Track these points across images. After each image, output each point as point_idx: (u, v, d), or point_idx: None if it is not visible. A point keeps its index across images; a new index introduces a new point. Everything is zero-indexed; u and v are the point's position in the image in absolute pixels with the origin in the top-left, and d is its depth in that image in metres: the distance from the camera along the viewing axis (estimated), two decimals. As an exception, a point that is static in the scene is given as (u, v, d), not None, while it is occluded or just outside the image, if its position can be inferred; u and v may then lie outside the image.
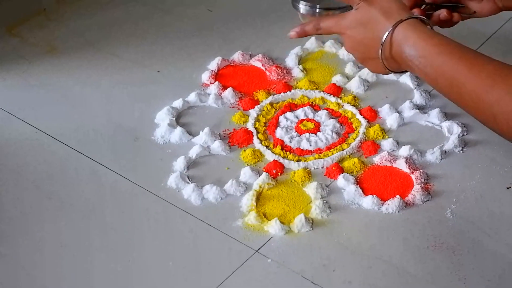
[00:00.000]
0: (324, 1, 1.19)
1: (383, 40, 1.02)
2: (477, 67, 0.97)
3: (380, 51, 1.03)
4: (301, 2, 1.16)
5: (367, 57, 1.07)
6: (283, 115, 1.27)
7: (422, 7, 1.14)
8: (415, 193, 1.14)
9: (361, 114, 1.27)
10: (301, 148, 1.22)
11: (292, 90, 1.32)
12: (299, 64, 1.36)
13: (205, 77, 1.34)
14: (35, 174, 1.18)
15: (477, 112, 0.99)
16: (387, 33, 1.01)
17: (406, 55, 1.01)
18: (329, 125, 1.25)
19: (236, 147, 1.23)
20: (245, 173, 1.17)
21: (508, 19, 1.43)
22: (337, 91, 1.32)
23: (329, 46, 1.40)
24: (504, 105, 0.94)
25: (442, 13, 1.11)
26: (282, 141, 1.23)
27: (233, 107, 1.30)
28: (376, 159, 1.20)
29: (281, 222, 1.10)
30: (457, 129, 1.23)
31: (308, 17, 1.15)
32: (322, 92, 1.31)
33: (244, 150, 1.22)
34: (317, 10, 1.15)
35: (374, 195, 1.13)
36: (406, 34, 1.01)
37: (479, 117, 0.99)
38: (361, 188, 1.15)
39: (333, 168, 1.18)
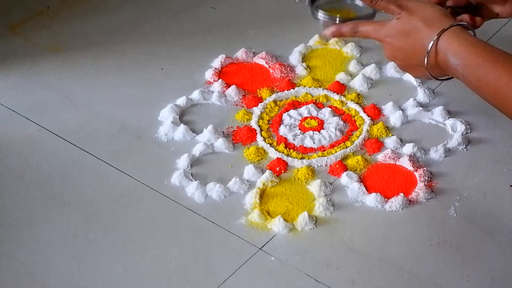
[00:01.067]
0: (344, 10, 1.19)
1: (429, 49, 1.02)
2: None
3: (426, 60, 1.03)
4: (320, 11, 1.17)
5: (409, 64, 1.08)
6: (286, 112, 1.27)
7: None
8: (419, 191, 1.14)
9: (364, 112, 1.27)
10: (305, 145, 1.22)
11: (296, 88, 1.32)
12: (302, 62, 1.36)
13: (209, 74, 1.34)
14: (38, 172, 1.18)
15: None
16: (432, 42, 1.02)
17: (450, 64, 1.02)
18: (332, 123, 1.25)
19: (239, 145, 1.23)
20: (249, 171, 1.17)
21: (509, 20, 1.43)
22: (340, 88, 1.31)
23: (333, 43, 1.40)
24: None
25: (465, 18, 1.11)
26: (285, 138, 1.23)
27: (236, 105, 1.30)
28: (380, 157, 1.20)
29: (285, 220, 1.10)
30: (460, 127, 1.23)
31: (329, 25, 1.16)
32: (325, 90, 1.31)
33: (248, 148, 1.22)
34: (337, 21, 1.14)
35: (378, 193, 1.13)
36: (449, 43, 1.01)
37: None
38: (364, 186, 1.15)
39: (337, 166, 1.18)
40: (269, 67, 1.36)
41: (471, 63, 1.00)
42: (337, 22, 1.15)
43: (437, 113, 1.26)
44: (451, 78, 1.07)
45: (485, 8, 1.14)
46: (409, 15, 1.05)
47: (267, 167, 1.19)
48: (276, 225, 1.10)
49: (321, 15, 1.17)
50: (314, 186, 1.15)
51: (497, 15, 1.14)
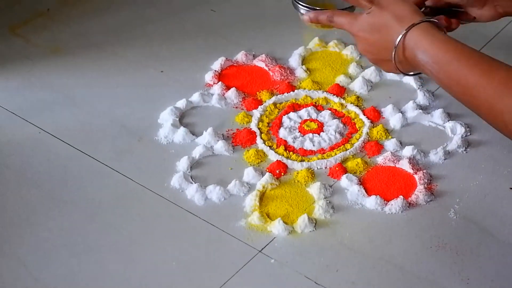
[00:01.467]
0: (324, 4, 1.20)
1: (396, 44, 1.03)
2: (489, 74, 0.98)
3: (393, 54, 1.04)
4: (301, 4, 1.17)
5: (380, 59, 1.09)
6: (286, 115, 1.27)
7: (422, 10, 1.13)
8: (419, 194, 1.14)
9: (364, 115, 1.27)
10: (304, 148, 1.22)
11: (296, 90, 1.32)
12: (302, 64, 1.36)
13: (209, 77, 1.34)
14: (38, 174, 1.19)
15: (490, 119, 1.00)
16: (400, 37, 1.02)
17: (419, 60, 1.02)
18: (332, 125, 1.25)
19: (239, 147, 1.23)
20: (248, 173, 1.17)
21: (510, 21, 1.43)
22: (340, 91, 1.32)
23: (333, 46, 1.40)
24: None
25: (441, 20, 1.11)
26: (285, 141, 1.23)
27: (236, 107, 1.30)
28: (380, 160, 1.20)
29: (284, 222, 1.10)
30: (460, 130, 1.23)
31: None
32: (325, 92, 1.31)
33: (248, 150, 1.22)
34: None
35: (377, 196, 1.13)
36: (418, 39, 1.02)
37: (492, 124, 1.00)
38: (364, 189, 1.15)
39: (336, 168, 1.19)
40: (269, 69, 1.36)
41: (441, 61, 1.00)
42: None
43: (437, 115, 1.26)
44: (420, 73, 1.08)
45: (463, 11, 1.14)
46: (380, 10, 1.05)
47: (267, 170, 1.19)
48: (276, 227, 1.10)
49: (302, 8, 1.18)
50: (314, 189, 1.15)
51: (474, 19, 1.14)
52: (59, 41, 1.45)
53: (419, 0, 1.13)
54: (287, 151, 1.22)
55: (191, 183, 1.16)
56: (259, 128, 1.26)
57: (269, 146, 1.23)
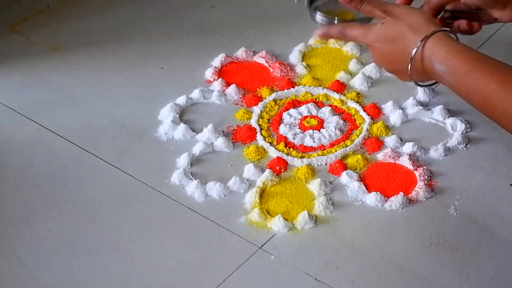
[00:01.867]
0: (342, 11, 1.20)
1: (412, 55, 1.03)
2: (508, 84, 0.97)
3: (409, 66, 1.04)
4: (318, 13, 1.17)
5: (395, 69, 1.09)
6: (286, 111, 1.27)
7: (441, 15, 1.13)
8: (419, 190, 1.14)
9: (364, 111, 1.27)
10: (305, 144, 1.22)
11: (296, 87, 1.32)
12: (302, 61, 1.36)
13: (209, 73, 1.34)
14: (38, 172, 1.19)
15: (510, 129, 1.00)
16: (416, 48, 1.02)
17: (436, 70, 1.02)
18: (332, 122, 1.25)
19: (239, 144, 1.23)
20: (249, 170, 1.17)
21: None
22: (340, 87, 1.31)
23: (333, 42, 1.39)
24: None
25: (462, 24, 1.11)
26: (285, 137, 1.23)
27: (236, 104, 1.29)
28: (380, 156, 1.20)
29: (285, 219, 1.10)
30: (460, 126, 1.23)
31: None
32: (325, 89, 1.31)
33: (248, 147, 1.22)
34: (335, 22, 1.15)
35: (378, 192, 1.13)
36: (435, 50, 1.02)
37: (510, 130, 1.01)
38: (364, 185, 1.15)
39: (337, 164, 1.18)
40: (269, 66, 1.36)
41: (458, 71, 1.00)
42: (335, 23, 1.15)
43: (437, 112, 1.26)
44: (437, 83, 1.08)
45: (484, 12, 1.13)
46: (395, 21, 1.05)
47: (267, 166, 1.19)
48: (276, 224, 1.10)
49: (319, 16, 1.17)
50: (314, 185, 1.15)
51: (495, 20, 1.14)
52: (59, 39, 1.45)
53: (438, 4, 1.12)
54: (287, 147, 1.22)
55: (191, 179, 1.16)
56: (259, 125, 1.25)
57: (269, 143, 1.22)
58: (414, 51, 1.02)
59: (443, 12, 1.14)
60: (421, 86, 1.09)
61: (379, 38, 1.07)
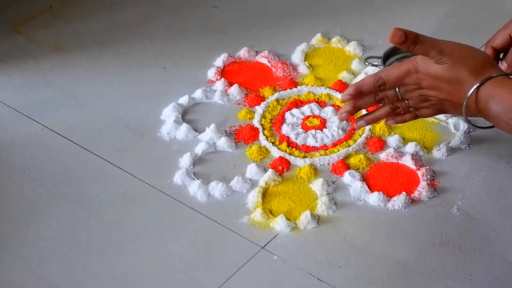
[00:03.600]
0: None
1: (468, 95, 0.99)
2: None
3: (463, 107, 1.00)
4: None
5: (443, 108, 1.06)
6: (289, 111, 1.27)
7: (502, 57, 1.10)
8: (421, 190, 1.14)
9: (367, 111, 1.27)
10: (307, 144, 1.22)
11: (298, 87, 1.32)
12: (305, 61, 1.36)
13: (211, 73, 1.34)
14: (41, 171, 1.19)
15: None
16: (472, 89, 0.99)
17: (493, 113, 0.98)
18: (335, 122, 1.25)
19: (242, 144, 1.23)
20: (251, 170, 1.17)
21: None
22: (343, 87, 1.31)
23: (335, 42, 1.40)
24: None
25: None
26: (288, 137, 1.23)
27: (239, 104, 1.30)
28: (382, 156, 1.20)
29: (287, 219, 1.10)
30: (463, 126, 1.23)
31: None
32: (328, 89, 1.31)
33: (250, 147, 1.22)
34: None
35: (380, 192, 1.13)
36: (492, 90, 0.98)
37: None
38: (367, 185, 1.15)
39: (339, 164, 1.18)
40: (272, 66, 1.36)
41: None
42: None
43: (440, 111, 1.26)
44: (492, 127, 1.04)
45: None
46: (455, 63, 0.99)
47: (270, 166, 1.19)
48: (279, 224, 1.10)
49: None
50: (317, 185, 1.15)
51: None
52: (61, 39, 1.45)
53: (503, 45, 1.09)
54: (290, 147, 1.22)
55: (194, 179, 1.16)
56: (261, 125, 1.25)
57: (272, 143, 1.23)
58: (471, 91, 0.98)
59: (502, 55, 1.11)
60: (478, 127, 1.04)
61: (437, 76, 1.01)
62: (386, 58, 1.29)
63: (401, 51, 1.27)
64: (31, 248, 1.08)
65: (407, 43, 0.99)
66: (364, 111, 1.15)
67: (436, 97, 1.03)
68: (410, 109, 1.07)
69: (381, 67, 1.28)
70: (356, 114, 1.16)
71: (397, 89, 1.05)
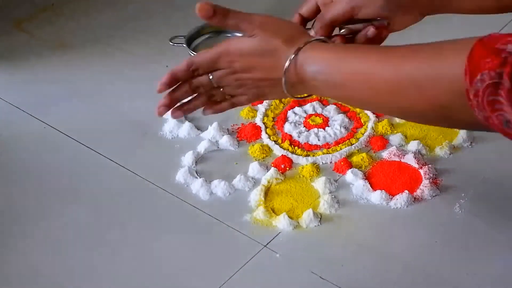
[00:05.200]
0: None
1: (286, 66, 0.94)
2: (388, 53, 0.90)
3: (283, 79, 0.95)
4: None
5: (264, 86, 0.99)
6: (291, 110, 1.27)
7: (340, 32, 1.05)
8: (424, 188, 1.14)
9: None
10: (310, 143, 1.22)
11: (301, 85, 1.31)
12: (307, 59, 1.36)
13: (214, 72, 1.34)
14: (43, 169, 1.19)
15: (399, 96, 0.89)
16: (289, 60, 0.94)
17: (310, 75, 0.93)
18: (337, 120, 1.25)
19: (244, 142, 1.23)
20: (254, 168, 1.17)
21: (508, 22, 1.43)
22: (345, 85, 1.31)
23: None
24: (424, 69, 0.86)
25: (370, 30, 1.02)
26: (290, 136, 1.23)
27: (241, 102, 1.29)
28: (385, 154, 1.20)
29: (290, 217, 1.10)
30: (465, 124, 1.23)
31: None
32: (330, 87, 1.31)
33: (253, 145, 1.22)
34: None
35: (383, 190, 1.13)
36: (307, 55, 0.94)
37: (403, 102, 0.89)
38: (369, 183, 1.15)
39: (342, 163, 1.18)
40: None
41: (334, 63, 0.93)
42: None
43: (442, 110, 1.25)
44: (309, 96, 1.00)
45: (381, 23, 1.03)
46: (266, 34, 0.95)
47: (272, 164, 1.19)
48: (281, 222, 1.10)
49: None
50: (319, 183, 1.15)
51: (395, 28, 1.05)
52: (63, 36, 1.45)
53: (333, 20, 1.03)
54: (292, 145, 1.22)
55: (196, 178, 1.16)
56: (264, 123, 1.25)
57: (274, 141, 1.23)
58: (288, 62, 0.94)
59: (342, 30, 1.05)
60: (296, 98, 0.99)
61: (250, 51, 0.96)
62: (191, 38, 1.29)
63: (206, 32, 1.27)
64: (34, 246, 1.08)
65: (217, 17, 0.96)
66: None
67: (251, 79, 0.98)
68: (226, 96, 1.02)
69: (184, 46, 1.30)
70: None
71: (210, 76, 1.00)
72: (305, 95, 0.99)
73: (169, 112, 1.02)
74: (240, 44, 0.97)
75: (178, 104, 1.02)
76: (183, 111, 1.02)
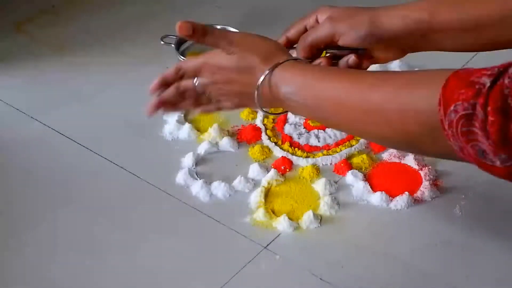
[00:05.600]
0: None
1: (259, 82, 0.97)
2: (359, 80, 0.93)
3: (256, 93, 0.98)
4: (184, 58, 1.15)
5: (241, 101, 1.03)
6: (291, 111, 1.27)
7: (325, 55, 1.06)
8: (424, 190, 1.14)
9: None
10: (310, 144, 1.22)
11: (301, 87, 1.31)
12: (307, 60, 1.36)
13: (214, 73, 1.34)
14: (43, 171, 1.19)
15: (368, 123, 0.91)
16: (263, 75, 0.97)
17: (283, 95, 0.96)
18: (337, 122, 1.25)
19: (244, 144, 1.23)
20: (254, 170, 1.17)
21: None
22: (345, 87, 1.31)
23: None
24: (393, 100, 0.88)
25: (351, 58, 1.04)
26: (290, 137, 1.23)
27: (241, 104, 1.29)
28: (385, 156, 1.20)
29: (290, 219, 1.10)
30: (466, 125, 1.23)
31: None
32: (330, 89, 1.31)
33: (253, 147, 1.22)
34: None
35: (383, 192, 1.13)
36: (282, 74, 0.96)
37: (370, 128, 0.92)
38: (369, 185, 1.15)
39: (342, 164, 1.18)
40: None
41: (307, 85, 0.95)
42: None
43: (442, 111, 1.25)
44: (285, 112, 1.03)
45: (366, 53, 1.05)
46: (245, 51, 0.98)
47: (272, 166, 1.19)
48: (281, 223, 1.10)
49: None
50: (319, 185, 1.15)
51: (378, 60, 1.06)
52: (64, 38, 1.45)
53: (314, 42, 1.04)
54: (292, 147, 1.22)
55: (196, 179, 1.16)
56: (264, 124, 1.25)
57: (274, 142, 1.22)
58: (261, 79, 0.96)
59: (328, 54, 1.07)
60: (270, 114, 1.03)
61: (228, 67, 0.99)
62: (182, 40, 1.32)
63: None
64: (34, 247, 1.08)
65: (196, 35, 0.99)
66: None
67: (231, 91, 1.01)
68: (212, 100, 1.05)
69: (173, 46, 1.32)
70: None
71: (196, 82, 1.03)
72: (281, 111, 1.02)
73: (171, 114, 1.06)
74: (219, 59, 1.00)
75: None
76: (173, 108, 1.06)
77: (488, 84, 0.78)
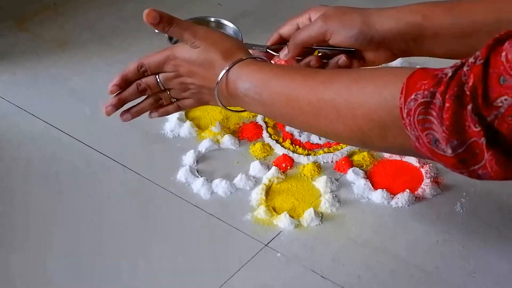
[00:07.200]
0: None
1: (219, 79, 0.98)
2: (311, 76, 0.94)
3: (215, 90, 0.99)
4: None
5: (199, 96, 1.04)
6: (292, 109, 1.27)
7: (316, 54, 1.07)
8: (425, 187, 1.14)
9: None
10: (311, 142, 1.22)
11: (302, 84, 1.31)
12: (308, 58, 1.36)
13: (215, 71, 1.34)
14: (45, 169, 1.19)
15: (320, 117, 0.92)
16: (223, 72, 0.98)
17: (241, 91, 0.98)
18: (338, 119, 1.25)
19: (245, 141, 1.23)
20: (255, 167, 1.17)
21: None
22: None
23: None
24: (344, 96, 0.89)
25: (342, 58, 1.05)
26: (291, 135, 1.23)
27: (242, 101, 1.29)
28: (386, 153, 1.20)
29: (291, 216, 1.10)
30: (467, 123, 1.23)
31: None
32: (331, 86, 1.31)
33: (254, 144, 1.22)
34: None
35: (384, 189, 1.13)
36: (240, 72, 0.98)
37: (323, 124, 0.93)
38: (370, 182, 1.15)
39: (343, 162, 1.18)
40: (276, 63, 1.35)
41: (262, 82, 0.97)
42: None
43: (444, 108, 1.25)
44: (242, 111, 1.04)
45: (357, 53, 1.06)
46: (207, 46, 1.00)
47: (273, 164, 1.19)
48: (282, 221, 1.10)
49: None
50: (320, 182, 1.15)
51: (369, 62, 1.07)
52: (65, 35, 1.45)
53: (305, 41, 1.05)
54: (294, 144, 1.22)
55: (197, 177, 1.16)
56: (265, 122, 1.26)
57: (275, 140, 1.23)
58: (221, 74, 0.98)
59: (319, 53, 1.08)
60: (231, 111, 1.03)
61: (191, 60, 1.00)
62: None
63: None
64: (36, 246, 1.08)
65: (162, 24, 1.01)
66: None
67: (194, 84, 1.02)
68: (172, 99, 1.06)
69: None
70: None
71: (158, 79, 1.04)
72: (239, 108, 1.02)
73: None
74: (183, 51, 1.01)
75: (127, 108, 1.06)
76: (131, 114, 1.06)
77: (450, 74, 0.79)
